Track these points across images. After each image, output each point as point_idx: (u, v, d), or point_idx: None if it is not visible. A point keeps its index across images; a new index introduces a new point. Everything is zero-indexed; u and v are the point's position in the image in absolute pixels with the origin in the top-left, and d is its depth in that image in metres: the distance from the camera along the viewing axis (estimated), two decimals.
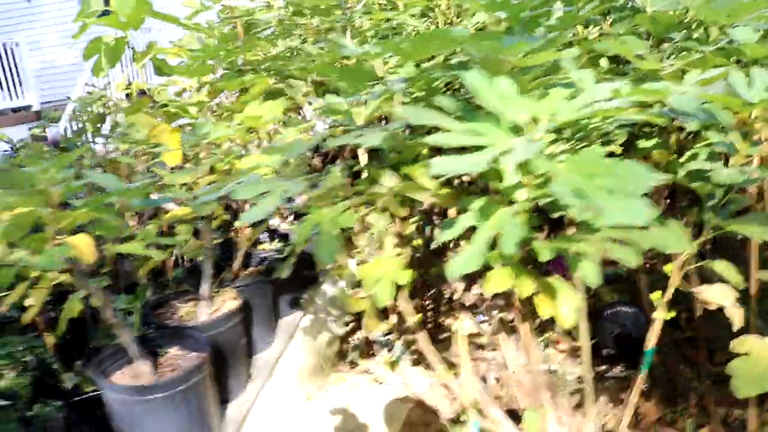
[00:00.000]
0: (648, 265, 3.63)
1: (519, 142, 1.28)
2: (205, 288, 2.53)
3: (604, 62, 2.07)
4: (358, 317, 4.23)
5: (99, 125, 3.01)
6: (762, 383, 1.74)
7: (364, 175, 1.86)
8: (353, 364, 3.60)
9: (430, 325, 3.93)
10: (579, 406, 2.96)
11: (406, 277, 1.80)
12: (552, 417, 2.58)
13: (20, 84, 12.46)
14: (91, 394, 2.61)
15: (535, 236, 1.49)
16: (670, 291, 2.03)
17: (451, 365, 3.47)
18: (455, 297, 4.10)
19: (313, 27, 3.34)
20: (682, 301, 3.51)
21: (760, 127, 1.72)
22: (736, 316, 1.85)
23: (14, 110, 12.15)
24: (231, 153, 2.42)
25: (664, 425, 2.88)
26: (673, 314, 2.10)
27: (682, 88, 1.55)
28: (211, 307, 2.53)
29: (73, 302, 1.84)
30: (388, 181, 1.74)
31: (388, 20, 2.75)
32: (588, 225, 1.64)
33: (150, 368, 2.13)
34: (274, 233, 3.39)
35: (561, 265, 4.11)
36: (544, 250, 1.48)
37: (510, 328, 3.67)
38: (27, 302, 1.87)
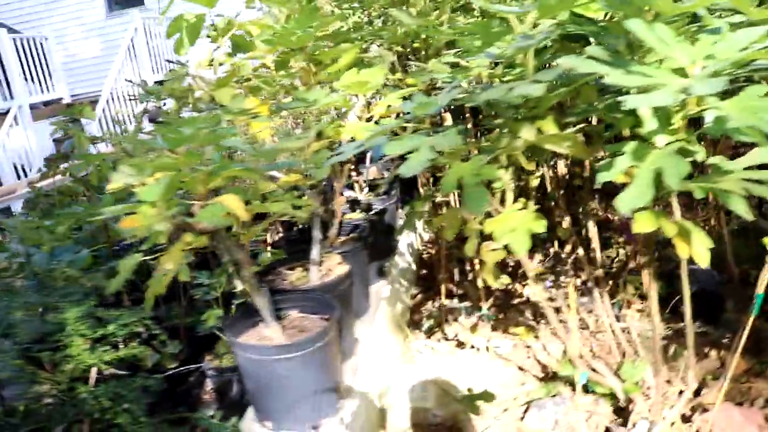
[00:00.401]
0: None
1: (695, 81, 1.35)
2: (315, 252, 2.62)
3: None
4: (426, 288, 4.33)
5: (184, 100, 3.11)
6: None
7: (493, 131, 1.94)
8: (430, 332, 3.69)
9: (499, 293, 4.03)
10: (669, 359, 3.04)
11: (542, 226, 1.88)
12: (649, 369, 2.67)
13: (50, 77, 12.60)
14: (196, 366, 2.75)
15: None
16: None
17: (530, 328, 3.57)
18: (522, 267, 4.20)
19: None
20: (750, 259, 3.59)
21: None
22: None
23: (45, 104, 12.30)
24: (334, 120, 2.50)
25: (752, 376, 2.95)
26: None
27: None
28: (321, 272, 2.63)
29: (158, 278, 1.87)
30: (527, 133, 1.82)
31: None
32: (719, 168, 1.73)
33: (279, 331, 2.23)
34: (355, 204, 3.48)
35: (627, 230, 4.19)
36: (698, 189, 1.56)
37: (582, 292, 3.76)
38: (164, 267, 1.94)
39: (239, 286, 3.36)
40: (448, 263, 3.84)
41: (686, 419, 2.57)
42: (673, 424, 2.45)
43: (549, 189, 3.13)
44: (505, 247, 2.00)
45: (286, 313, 2.43)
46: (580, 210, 3.33)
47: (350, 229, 3.14)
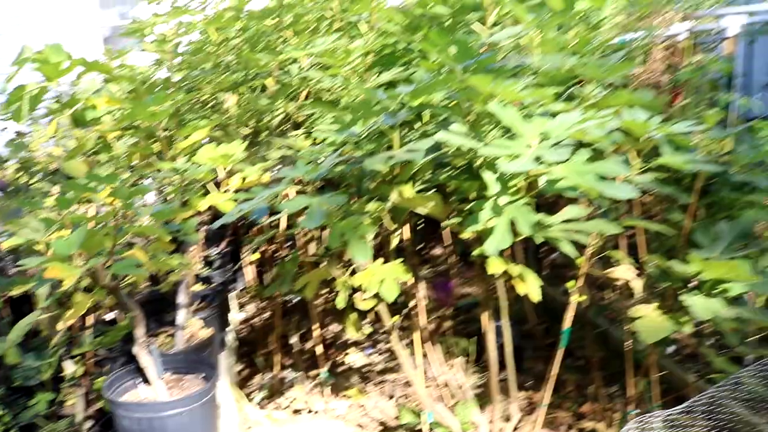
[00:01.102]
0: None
1: (544, 149, 1.78)
2: (181, 317, 2.69)
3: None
4: (250, 363, 4.43)
5: (31, 171, 3.07)
6: (657, 334, 2.38)
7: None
8: (265, 402, 3.80)
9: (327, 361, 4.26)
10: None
11: (408, 275, 2.20)
12: (476, 408, 3.07)
13: None
14: None
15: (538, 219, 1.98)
16: (582, 278, 2.62)
17: (360, 390, 3.84)
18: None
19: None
20: (543, 316, 4.19)
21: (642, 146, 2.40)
22: (638, 285, 2.50)
23: None
24: (195, 190, 2.67)
25: (554, 408, 3.46)
26: (585, 297, 2.70)
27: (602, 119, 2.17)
28: (184, 336, 2.71)
29: None
30: (394, 196, 2.15)
31: None
32: (542, 223, 2.19)
33: (164, 388, 2.29)
34: (197, 278, 3.57)
35: (446, 290, 4.71)
36: (539, 237, 1.99)
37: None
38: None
39: (69, 368, 3.30)
40: (279, 337, 4.01)
41: None
42: None
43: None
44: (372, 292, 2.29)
45: (164, 376, 2.49)
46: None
47: (199, 299, 3.22)
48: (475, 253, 1.97)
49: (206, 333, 2.80)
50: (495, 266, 2.07)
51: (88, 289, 2.04)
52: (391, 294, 2.17)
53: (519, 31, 2.66)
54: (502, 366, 3.94)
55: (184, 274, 2.68)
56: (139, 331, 2.21)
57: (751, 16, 3.61)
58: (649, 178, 2.43)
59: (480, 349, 3.88)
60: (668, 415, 2.53)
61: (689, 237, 2.77)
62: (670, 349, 3.67)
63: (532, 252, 4.42)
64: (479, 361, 3.93)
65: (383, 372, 4.06)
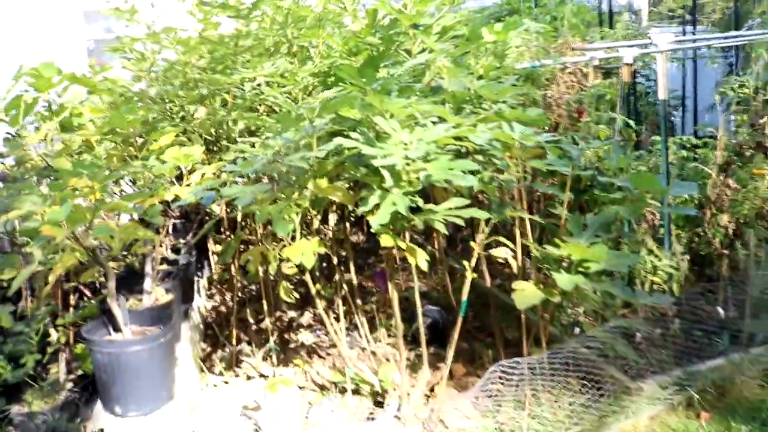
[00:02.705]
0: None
1: (410, 151, 2.42)
2: (148, 283, 3.32)
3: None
4: (213, 344, 5.02)
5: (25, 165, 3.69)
6: (528, 301, 3.01)
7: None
8: (223, 372, 4.41)
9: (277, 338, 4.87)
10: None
11: (322, 249, 2.83)
12: (396, 371, 3.68)
13: None
14: None
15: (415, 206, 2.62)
16: (474, 258, 3.27)
17: (305, 361, 4.45)
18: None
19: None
20: (471, 304, 4.82)
21: (518, 153, 3.05)
22: (515, 264, 3.15)
23: None
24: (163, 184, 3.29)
25: (469, 375, 4.08)
26: (475, 275, 3.34)
27: (479, 130, 2.82)
28: (150, 299, 3.33)
29: None
30: (311, 186, 2.79)
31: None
32: (431, 210, 2.82)
33: (130, 333, 2.92)
34: (163, 259, 4.18)
35: (377, 275, 5.39)
36: (419, 220, 2.63)
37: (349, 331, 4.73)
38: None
39: (54, 335, 3.90)
40: (237, 318, 4.63)
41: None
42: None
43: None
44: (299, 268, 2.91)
45: (130, 326, 3.10)
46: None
47: (164, 275, 3.84)
48: (374, 229, 2.60)
49: (167, 298, 3.41)
50: (386, 240, 2.70)
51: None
52: (310, 263, 2.80)
53: (425, 59, 3.30)
54: (430, 342, 4.58)
55: (151, 249, 3.30)
56: (110, 285, 2.82)
57: (643, 49, 4.28)
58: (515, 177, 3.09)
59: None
60: (530, 362, 3.19)
61: (566, 226, 3.42)
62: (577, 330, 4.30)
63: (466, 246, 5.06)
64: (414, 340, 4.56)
65: (329, 347, 4.67)
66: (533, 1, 7.03)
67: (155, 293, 3.40)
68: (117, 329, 2.99)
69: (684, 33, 7.47)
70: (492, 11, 7.26)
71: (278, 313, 5.14)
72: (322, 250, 2.83)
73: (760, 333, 3.82)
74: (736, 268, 4.28)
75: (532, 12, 6.48)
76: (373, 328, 4.59)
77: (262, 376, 4.21)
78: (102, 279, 3.49)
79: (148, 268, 3.34)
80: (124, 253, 3.55)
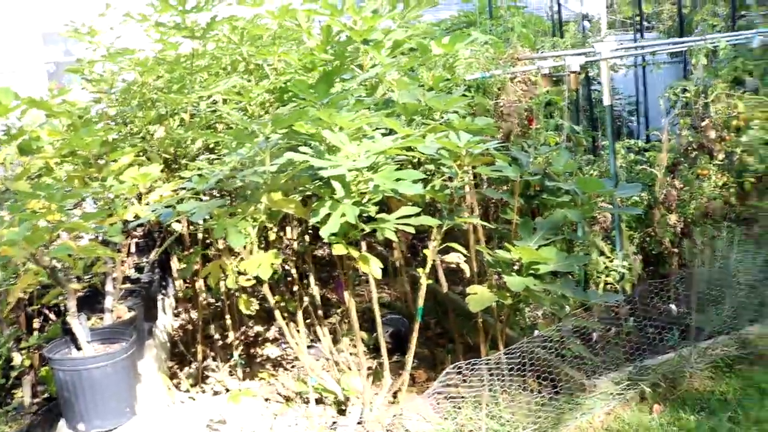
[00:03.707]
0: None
1: (357, 162, 2.51)
2: (109, 301, 3.36)
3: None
4: (180, 361, 5.06)
5: None
6: (481, 304, 3.11)
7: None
8: (190, 388, 4.44)
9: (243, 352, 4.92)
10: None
11: (278, 261, 2.91)
12: (359, 378, 3.76)
13: None
14: None
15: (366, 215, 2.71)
16: (428, 265, 3.36)
17: (271, 374, 4.50)
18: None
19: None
20: (433, 312, 4.91)
21: (467, 161, 3.16)
22: (467, 269, 3.25)
23: None
24: (120, 202, 3.35)
25: (430, 381, 4.17)
26: (431, 281, 3.43)
27: (428, 140, 2.93)
28: (112, 317, 3.37)
29: None
30: (265, 200, 2.87)
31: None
32: (383, 219, 2.92)
33: (92, 349, 2.96)
34: (126, 278, 4.23)
35: (339, 287, 5.47)
36: (369, 227, 2.72)
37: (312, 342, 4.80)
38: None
39: (17, 359, 3.92)
40: (203, 335, 4.68)
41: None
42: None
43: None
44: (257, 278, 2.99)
45: (93, 344, 3.14)
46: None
47: (126, 293, 3.88)
48: (326, 239, 2.69)
49: (129, 315, 3.46)
50: (338, 249, 2.79)
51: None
52: (266, 274, 2.87)
53: (376, 73, 3.41)
54: (393, 350, 4.66)
55: (112, 268, 3.35)
56: (71, 303, 2.87)
57: (588, 57, 4.44)
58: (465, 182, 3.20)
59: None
60: (488, 361, 3.29)
61: (517, 230, 3.53)
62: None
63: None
64: (375, 350, 4.63)
65: (295, 359, 4.73)
66: (488, 13, 7.21)
67: (117, 311, 3.44)
68: (79, 347, 3.04)
69: (635, 40, 7.69)
70: (449, 24, 7.41)
71: (244, 328, 5.19)
72: (278, 262, 2.91)
73: (707, 327, 3.97)
74: (686, 266, 4.44)
75: (486, 24, 6.64)
76: (336, 338, 4.67)
77: (228, 390, 4.26)
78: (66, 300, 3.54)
79: (109, 287, 3.39)
80: (89, 275, 3.60)
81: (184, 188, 3.09)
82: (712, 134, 4.41)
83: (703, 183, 4.37)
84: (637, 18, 10.30)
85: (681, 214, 4.39)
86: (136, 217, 3.38)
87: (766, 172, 4.62)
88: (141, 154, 3.96)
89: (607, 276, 4.27)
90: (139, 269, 4.53)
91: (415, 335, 3.52)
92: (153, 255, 4.41)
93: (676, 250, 4.50)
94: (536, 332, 4.03)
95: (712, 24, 6.38)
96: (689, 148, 4.54)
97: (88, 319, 3.35)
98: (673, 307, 4.25)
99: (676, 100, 4.74)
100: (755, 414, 3.34)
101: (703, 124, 4.41)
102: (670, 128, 4.65)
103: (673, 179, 4.42)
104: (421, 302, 3.45)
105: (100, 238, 3.73)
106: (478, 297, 3.18)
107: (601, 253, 4.19)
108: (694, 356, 3.78)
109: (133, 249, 4.82)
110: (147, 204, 3.51)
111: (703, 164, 4.40)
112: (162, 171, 3.99)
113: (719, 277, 4.19)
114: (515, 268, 3.37)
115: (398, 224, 2.86)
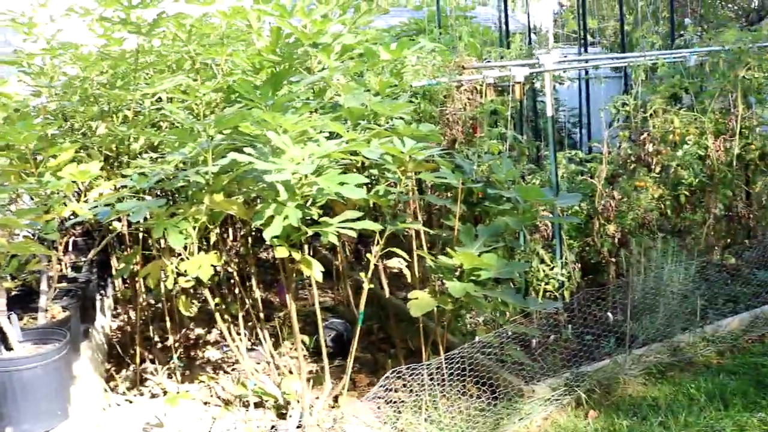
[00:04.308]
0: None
1: (301, 166, 2.51)
2: (43, 301, 3.26)
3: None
4: (117, 363, 4.95)
5: None
6: (422, 309, 3.14)
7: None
8: (128, 390, 4.36)
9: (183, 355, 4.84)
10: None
11: (219, 262, 2.88)
12: (299, 382, 3.74)
13: None
14: None
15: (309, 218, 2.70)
16: (370, 270, 3.38)
17: (211, 377, 4.45)
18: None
19: None
20: (377, 317, 4.93)
21: (411, 167, 3.18)
22: (409, 274, 3.28)
23: None
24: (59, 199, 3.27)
25: (370, 385, 4.18)
26: (373, 285, 3.45)
27: (372, 145, 2.94)
28: (46, 317, 3.28)
29: None
30: (207, 200, 2.84)
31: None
32: (326, 222, 2.92)
33: (23, 350, 2.87)
34: (62, 278, 4.11)
35: (282, 290, 5.44)
36: (312, 230, 2.71)
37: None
38: None
39: None
40: (142, 337, 4.59)
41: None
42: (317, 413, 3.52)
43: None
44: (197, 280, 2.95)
45: (25, 344, 3.05)
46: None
47: (63, 293, 3.78)
48: (268, 241, 2.67)
49: (64, 315, 3.37)
50: (280, 252, 2.78)
51: None
52: (206, 275, 2.84)
53: (323, 77, 3.41)
54: (336, 354, 4.66)
55: (47, 266, 3.26)
56: (1, 302, 2.79)
57: (532, 69, 4.53)
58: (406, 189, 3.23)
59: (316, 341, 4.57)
60: (429, 366, 3.32)
61: (458, 237, 3.57)
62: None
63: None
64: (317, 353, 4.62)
65: (235, 362, 4.68)
66: (437, 22, 7.29)
67: (52, 311, 3.36)
68: (9, 347, 2.95)
69: (580, 54, 7.88)
70: (398, 31, 7.46)
71: (184, 330, 5.11)
72: (220, 264, 2.88)
73: (642, 335, 4.08)
74: (623, 275, 4.56)
75: (435, 32, 6.71)
76: (278, 342, 4.64)
77: (166, 393, 4.18)
78: None
79: (44, 286, 3.30)
80: (24, 273, 3.50)
81: (125, 186, 3.03)
82: (650, 147, 4.55)
83: (640, 195, 4.50)
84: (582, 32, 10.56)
85: (619, 225, 4.50)
86: (74, 214, 3.30)
87: (700, 185, 4.79)
88: (81, 150, 3.87)
89: (547, 284, 4.35)
90: (76, 268, 4.42)
91: (356, 339, 3.53)
92: (91, 254, 4.31)
93: (613, 259, 4.62)
94: (477, 338, 4.08)
95: (651, 42, 6.57)
96: (628, 160, 4.67)
97: (21, 318, 3.25)
98: (609, 315, 4.36)
99: (617, 114, 4.86)
100: (683, 419, 3.44)
101: (641, 137, 4.54)
102: (610, 140, 4.77)
103: (612, 190, 4.53)
104: (362, 306, 3.46)
105: (36, 236, 3.63)
106: (420, 302, 3.21)
107: (542, 261, 4.27)
108: (628, 363, 3.88)
109: (71, 247, 4.71)
110: (86, 201, 3.44)
111: (641, 176, 4.53)
112: (103, 168, 3.91)
113: (654, 286, 4.32)
114: (457, 274, 3.41)
115: (341, 228, 2.86)
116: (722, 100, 5.05)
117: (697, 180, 4.72)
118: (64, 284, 3.92)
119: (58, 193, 3.25)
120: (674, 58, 5.19)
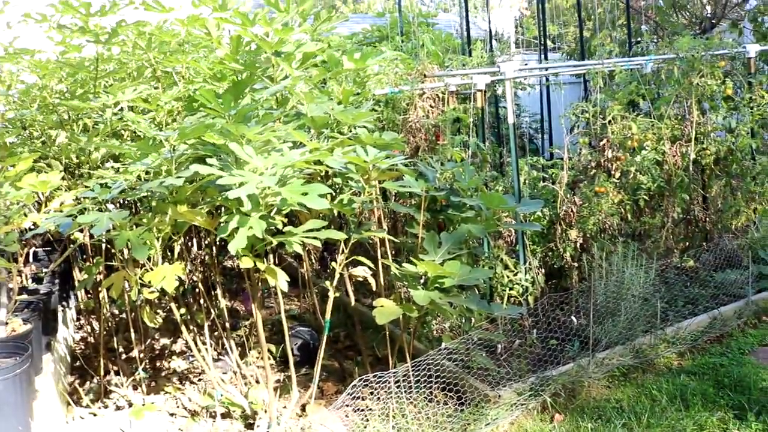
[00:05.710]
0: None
1: (264, 177, 2.51)
2: (2, 315, 3.20)
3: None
4: (81, 375, 4.87)
5: None
6: (388, 317, 3.16)
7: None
8: (92, 403, 4.29)
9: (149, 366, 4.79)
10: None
11: (183, 272, 2.86)
12: (266, 391, 3.73)
13: None
14: None
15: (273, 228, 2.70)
16: (336, 277, 3.38)
17: (177, 388, 4.41)
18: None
19: None
20: (343, 325, 4.93)
21: (374, 176, 3.20)
22: (373, 282, 3.29)
23: None
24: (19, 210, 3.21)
25: (337, 394, 4.18)
26: (337, 294, 3.45)
27: (335, 154, 2.95)
28: (6, 330, 3.22)
29: None
30: (171, 211, 2.82)
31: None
32: (291, 231, 2.92)
33: None
34: (23, 290, 4.03)
35: (248, 299, 5.43)
36: (276, 240, 2.71)
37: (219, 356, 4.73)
38: None
39: None
40: (106, 348, 4.53)
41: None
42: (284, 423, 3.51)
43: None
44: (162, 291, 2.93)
45: None
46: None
47: (23, 305, 3.71)
48: (233, 252, 2.67)
49: (25, 328, 3.31)
50: (245, 262, 2.78)
51: None
52: (171, 286, 2.82)
53: (285, 86, 3.40)
54: (303, 363, 4.65)
55: (7, 278, 3.20)
56: None
57: (493, 76, 4.58)
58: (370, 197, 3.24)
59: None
60: (396, 373, 3.34)
61: (422, 245, 3.59)
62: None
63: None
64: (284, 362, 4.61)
65: (202, 372, 4.64)
66: (399, 28, 7.33)
67: (12, 324, 3.29)
68: None
69: (540, 60, 7.98)
70: (361, 38, 7.48)
71: (149, 341, 5.05)
72: (184, 274, 2.86)
73: (604, 338, 4.15)
74: (586, 279, 4.64)
75: (397, 40, 6.75)
76: (245, 351, 4.61)
77: (131, 405, 4.13)
78: None
79: (3, 299, 3.24)
80: None
81: (86, 197, 2.99)
82: (609, 153, 4.64)
83: (601, 200, 4.58)
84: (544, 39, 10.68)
85: (581, 230, 4.58)
86: (35, 225, 3.25)
87: (658, 190, 4.89)
88: (41, 159, 3.81)
89: (511, 289, 4.41)
90: (38, 280, 4.35)
91: (323, 347, 3.53)
92: (53, 265, 4.24)
93: (576, 264, 4.69)
94: (443, 344, 4.11)
95: (609, 49, 6.70)
96: (589, 166, 4.75)
97: None
98: (573, 319, 4.42)
99: (577, 120, 4.95)
100: (646, 420, 3.51)
101: (601, 143, 4.63)
102: (571, 146, 4.85)
103: (573, 196, 4.61)
104: (329, 315, 3.46)
105: None
106: (385, 310, 3.22)
107: (506, 267, 4.32)
108: (592, 366, 3.94)
109: (31, 258, 4.63)
110: (47, 212, 3.39)
111: (601, 182, 4.61)
112: (63, 178, 3.85)
113: (615, 289, 4.40)
114: (422, 281, 3.44)
115: (305, 237, 2.86)
116: (678, 107, 5.17)
117: (655, 185, 4.83)
118: (25, 296, 3.85)
119: (17, 204, 3.20)
120: (631, 65, 5.30)
